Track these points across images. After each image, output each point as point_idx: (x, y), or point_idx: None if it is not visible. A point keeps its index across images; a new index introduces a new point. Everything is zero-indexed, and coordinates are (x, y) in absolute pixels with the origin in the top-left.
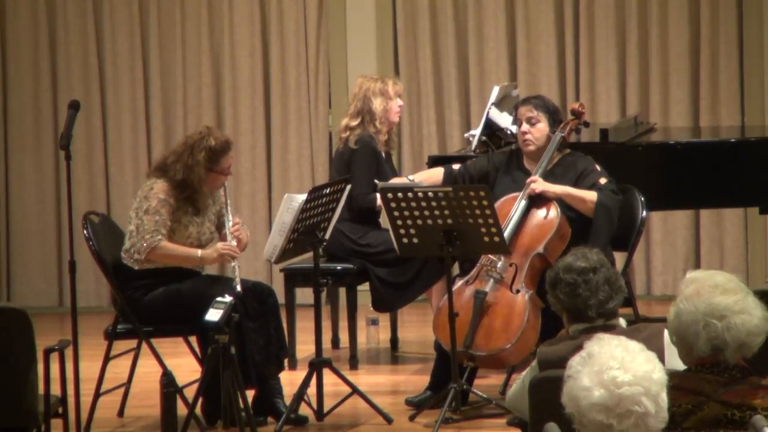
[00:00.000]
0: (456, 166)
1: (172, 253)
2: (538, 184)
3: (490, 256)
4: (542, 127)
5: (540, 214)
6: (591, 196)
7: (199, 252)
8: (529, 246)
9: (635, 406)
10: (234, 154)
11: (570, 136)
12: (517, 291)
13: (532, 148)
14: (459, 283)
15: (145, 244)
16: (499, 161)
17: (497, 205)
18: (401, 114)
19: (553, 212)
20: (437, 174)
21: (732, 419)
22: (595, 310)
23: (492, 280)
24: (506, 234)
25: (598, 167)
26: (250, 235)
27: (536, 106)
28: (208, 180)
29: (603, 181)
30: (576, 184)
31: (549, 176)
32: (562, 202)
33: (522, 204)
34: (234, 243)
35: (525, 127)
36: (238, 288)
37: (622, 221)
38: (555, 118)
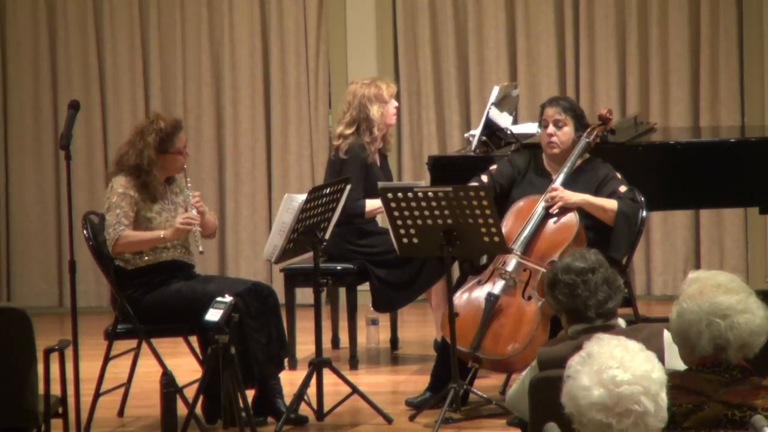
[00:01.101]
0: (484, 178)
1: (136, 239)
2: (559, 196)
3: (504, 258)
4: (568, 130)
5: (559, 220)
6: (611, 204)
7: (162, 233)
8: (545, 252)
9: (634, 405)
10: (234, 154)
11: (594, 142)
12: (529, 297)
13: (556, 151)
14: (471, 282)
15: (109, 239)
16: (522, 165)
17: (518, 205)
18: (400, 114)
19: (573, 219)
20: None
21: (732, 419)
22: (594, 310)
23: (505, 283)
24: (523, 237)
25: (618, 175)
26: (251, 235)
27: (564, 108)
28: (164, 162)
29: (623, 189)
30: (597, 192)
31: (570, 182)
32: (581, 209)
33: (541, 207)
34: (194, 212)
35: (551, 129)
36: (200, 249)
37: None
38: (580, 122)
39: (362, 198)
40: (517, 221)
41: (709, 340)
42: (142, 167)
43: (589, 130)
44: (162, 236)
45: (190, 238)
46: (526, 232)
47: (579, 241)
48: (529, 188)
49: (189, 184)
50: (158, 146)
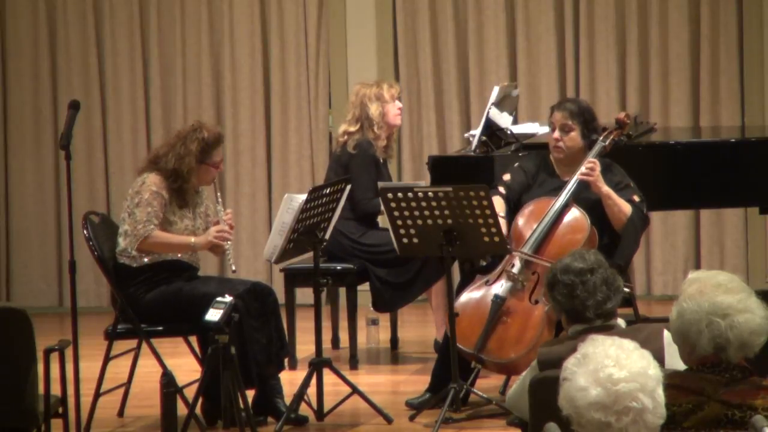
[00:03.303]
0: (502, 190)
1: (164, 241)
2: (596, 173)
3: (514, 261)
4: (575, 135)
5: (570, 224)
6: (627, 209)
7: (192, 239)
8: (555, 257)
9: (632, 402)
10: (234, 154)
11: (610, 146)
12: (536, 302)
13: (561, 156)
14: (479, 281)
15: (137, 234)
16: (532, 169)
17: (530, 207)
18: (401, 115)
19: (584, 222)
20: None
21: (732, 419)
22: (593, 310)
23: (512, 286)
24: (535, 237)
25: (631, 183)
26: (251, 235)
27: (572, 113)
28: (199, 172)
29: (636, 198)
30: None
31: (585, 185)
32: (590, 211)
33: (554, 210)
34: (227, 228)
35: (557, 134)
36: (233, 268)
37: None
38: (589, 126)
39: (376, 197)
40: (528, 222)
41: (710, 339)
42: (181, 173)
43: (606, 133)
44: (192, 243)
45: (220, 256)
46: (537, 233)
47: (591, 244)
48: (539, 190)
49: (220, 199)
50: (198, 155)
